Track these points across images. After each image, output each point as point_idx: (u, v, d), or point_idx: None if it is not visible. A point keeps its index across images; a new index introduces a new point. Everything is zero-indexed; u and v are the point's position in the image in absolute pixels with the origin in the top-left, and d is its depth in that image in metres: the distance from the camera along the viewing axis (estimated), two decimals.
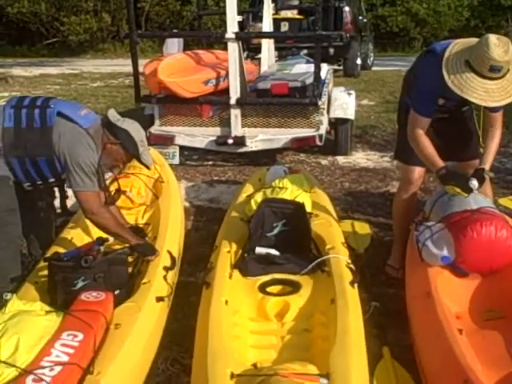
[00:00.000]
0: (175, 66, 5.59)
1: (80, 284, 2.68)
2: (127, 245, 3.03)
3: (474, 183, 2.96)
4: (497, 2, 29.62)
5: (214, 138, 5.69)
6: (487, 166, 3.15)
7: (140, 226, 3.59)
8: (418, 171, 3.51)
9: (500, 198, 4.52)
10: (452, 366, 2.18)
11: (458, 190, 2.97)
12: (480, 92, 2.84)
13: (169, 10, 24.01)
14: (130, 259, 3.08)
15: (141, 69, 5.80)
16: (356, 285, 2.82)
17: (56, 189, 3.52)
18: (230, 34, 5.44)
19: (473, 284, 2.86)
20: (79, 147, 2.93)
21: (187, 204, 4.91)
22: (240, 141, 5.56)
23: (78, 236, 3.40)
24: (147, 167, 3.42)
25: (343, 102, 6.13)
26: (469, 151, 3.48)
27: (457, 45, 3.00)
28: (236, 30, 5.53)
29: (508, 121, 7.42)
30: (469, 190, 2.96)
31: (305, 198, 3.67)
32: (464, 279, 2.87)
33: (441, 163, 3.06)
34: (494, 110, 3.16)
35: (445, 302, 2.63)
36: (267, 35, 7.47)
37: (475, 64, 2.82)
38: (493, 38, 2.78)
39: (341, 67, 13.15)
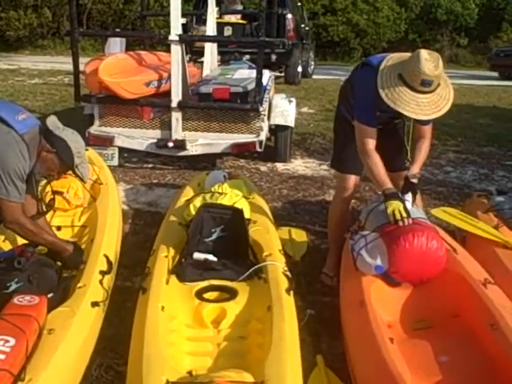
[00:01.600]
0: (117, 66, 5.52)
1: (13, 286, 2.61)
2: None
3: (408, 199, 3.06)
4: (433, 16, 30.59)
5: (155, 141, 5.64)
6: (416, 170, 3.27)
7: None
8: (352, 179, 3.59)
9: (432, 208, 4.65)
10: (383, 375, 2.23)
11: (400, 207, 3.01)
12: (412, 105, 2.94)
13: (111, 8, 23.68)
14: None
15: (81, 67, 5.70)
16: (292, 292, 2.85)
17: None
18: (173, 36, 5.41)
19: (404, 294, 2.94)
20: (10, 154, 2.78)
21: (125, 207, 4.85)
22: (180, 144, 5.54)
23: (11, 237, 3.31)
24: (82, 180, 3.32)
25: (284, 109, 6.19)
26: (397, 162, 3.57)
27: (391, 59, 3.11)
28: (180, 32, 5.51)
29: (439, 133, 7.81)
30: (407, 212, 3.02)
31: (243, 204, 3.69)
32: (396, 289, 2.95)
33: (389, 184, 3.12)
34: (424, 122, 3.27)
35: (377, 310, 2.69)
36: (211, 39, 7.47)
37: (408, 78, 2.92)
38: (424, 54, 2.90)
39: (282, 74, 13.28)
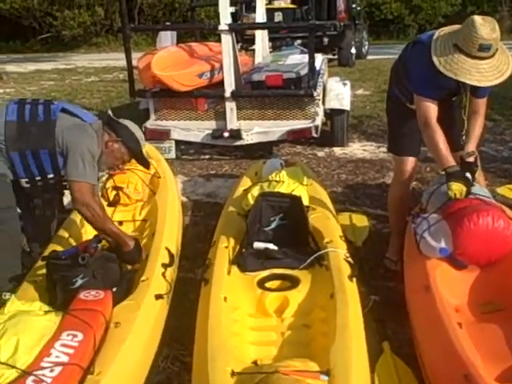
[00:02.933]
0: (169, 60, 5.56)
1: (79, 282, 2.67)
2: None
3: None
4: None
5: (210, 132, 5.68)
6: (471, 148, 3.14)
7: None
8: (410, 162, 3.50)
9: (497, 187, 4.51)
10: (452, 361, 2.17)
11: (463, 190, 2.93)
12: (473, 73, 2.84)
13: (161, 1, 23.94)
14: None
15: (135, 63, 5.77)
16: (355, 279, 2.81)
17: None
18: (223, 26, 5.41)
19: (471, 276, 2.84)
20: (83, 135, 2.95)
21: (184, 199, 4.90)
22: (236, 134, 5.54)
23: (75, 234, 3.39)
24: (147, 166, 3.41)
25: (338, 93, 6.11)
26: (456, 142, 3.45)
27: (442, 31, 3.02)
28: (229, 21, 5.50)
29: (503, 108, 7.54)
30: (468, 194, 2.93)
31: (302, 192, 3.66)
32: (462, 271, 2.85)
33: (452, 161, 3.01)
34: (481, 95, 3.16)
35: (444, 295, 2.62)
36: (260, 26, 7.44)
37: (464, 46, 2.83)
38: (478, 19, 2.80)
39: (335, 57, 13.12)
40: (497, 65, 2.87)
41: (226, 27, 5.41)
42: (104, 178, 3.90)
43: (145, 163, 3.38)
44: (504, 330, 2.46)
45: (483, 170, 3.66)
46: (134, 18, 23.25)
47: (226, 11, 5.48)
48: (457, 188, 2.93)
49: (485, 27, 2.77)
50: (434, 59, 2.92)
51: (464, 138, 3.28)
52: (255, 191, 3.64)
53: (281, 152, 6.20)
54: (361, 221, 4.06)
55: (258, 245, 3.12)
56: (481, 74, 2.84)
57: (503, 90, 8.58)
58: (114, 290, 2.69)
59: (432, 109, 3.09)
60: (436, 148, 3.07)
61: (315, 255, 2.98)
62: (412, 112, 3.32)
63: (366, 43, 15.55)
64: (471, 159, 3.09)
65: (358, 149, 6.31)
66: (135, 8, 23.94)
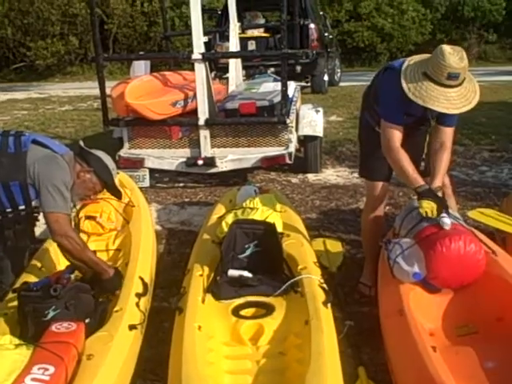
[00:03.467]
0: (142, 89, 5.57)
1: (51, 314, 2.63)
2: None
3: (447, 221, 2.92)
4: (460, 14, 30.25)
5: (184, 160, 5.67)
6: (438, 184, 3.15)
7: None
8: (381, 186, 3.55)
9: (469, 210, 4.56)
10: None
11: (434, 207, 2.95)
12: (442, 100, 2.91)
13: (136, 31, 24.02)
14: None
15: (108, 91, 5.77)
16: (329, 305, 2.81)
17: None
18: (196, 55, 5.45)
19: (445, 300, 2.88)
20: (55, 167, 2.93)
21: (159, 227, 4.88)
22: (210, 161, 5.55)
23: (47, 264, 3.35)
24: (119, 197, 3.41)
25: (311, 120, 6.17)
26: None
27: (412, 60, 3.10)
28: (202, 50, 5.54)
29: (473, 133, 7.68)
30: (440, 212, 2.95)
31: (276, 218, 3.67)
32: (436, 295, 2.89)
33: (421, 181, 3.05)
34: (447, 123, 3.21)
35: (418, 318, 2.64)
36: (233, 55, 7.50)
37: (433, 74, 2.90)
38: (447, 48, 2.89)
39: (308, 84, 13.25)
40: (464, 93, 2.93)
41: (200, 56, 5.45)
42: (77, 208, 3.87)
43: (117, 194, 3.38)
44: (478, 353, 2.48)
45: (454, 193, 3.72)
46: (109, 46, 23.33)
47: (199, 40, 5.53)
48: (427, 206, 2.96)
49: (453, 56, 2.84)
50: (404, 85, 2.98)
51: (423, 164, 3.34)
52: (229, 218, 3.64)
53: (255, 179, 6.22)
54: (335, 246, 4.07)
55: (232, 272, 3.11)
56: (449, 101, 2.91)
57: (473, 116, 8.77)
58: (87, 321, 2.65)
59: (396, 134, 3.14)
60: (403, 170, 3.11)
61: (290, 282, 2.98)
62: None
63: (339, 70, 15.72)
64: (439, 194, 3.12)
65: (331, 174, 6.36)
66: (110, 37, 24.02)
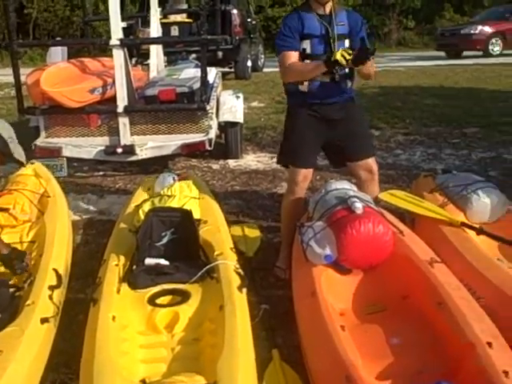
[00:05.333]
0: (59, 76, 5.41)
1: None
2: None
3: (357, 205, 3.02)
4: (381, 1, 30.88)
5: (103, 148, 5.57)
6: None
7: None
8: (302, 173, 3.62)
9: (380, 193, 4.70)
10: (334, 363, 2.26)
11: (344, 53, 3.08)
12: None
13: (57, 16, 23.35)
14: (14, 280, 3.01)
15: (24, 79, 5.59)
16: (245, 289, 2.85)
17: None
18: (114, 41, 5.34)
19: (355, 280, 2.98)
20: None
21: (77, 217, 4.80)
22: (129, 149, 5.47)
23: None
24: (21, 163, 3.33)
25: (231, 106, 6.19)
26: (363, 149, 3.66)
27: None
28: (120, 36, 5.43)
29: (388, 116, 7.91)
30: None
31: (193, 205, 3.69)
32: (347, 276, 2.99)
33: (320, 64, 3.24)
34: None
35: (328, 299, 2.72)
36: (152, 41, 7.39)
37: None
38: None
39: (232, 70, 13.26)
40: None
41: (118, 42, 5.35)
42: None
43: (19, 161, 3.29)
44: (385, 330, 2.59)
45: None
46: (29, 32, 22.58)
47: (117, 26, 5.41)
48: (338, 53, 3.10)
49: None
50: None
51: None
52: (146, 207, 3.62)
53: (176, 166, 6.19)
54: (253, 232, 4.13)
55: (149, 261, 3.12)
56: None
57: (389, 100, 9.05)
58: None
59: (292, 57, 3.38)
60: (302, 67, 3.37)
61: (205, 268, 3.01)
62: (307, 123, 3.47)
63: (262, 56, 15.78)
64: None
65: (252, 160, 6.41)
66: (30, 22, 23.23)
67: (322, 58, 3.28)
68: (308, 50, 3.41)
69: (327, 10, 3.42)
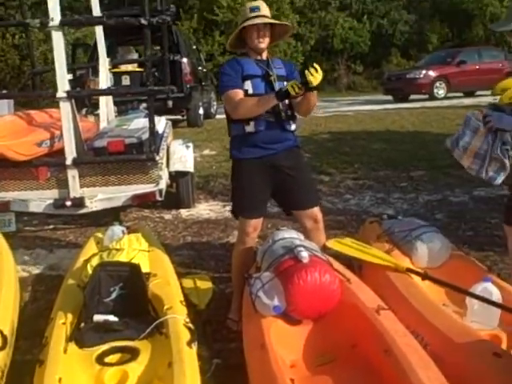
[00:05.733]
0: (5, 129, 5.34)
1: None
2: None
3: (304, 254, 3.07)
4: (330, 46, 31.79)
5: (52, 201, 5.49)
6: None
7: None
8: (252, 223, 3.66)
9: (331, 238, 4.76)
10: None
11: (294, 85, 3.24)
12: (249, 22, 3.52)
13: (8, 65, 23.18)
14: None
15: None
16: (195, 344, 2.83)
17: None
18: (60, 94, 5.33)
19: (305, 331, 2.99)
20: None
21: (25, 274, 4.71)
22: (79, 202, 5.40)
23: None
24: None
25: (181, 155, 6.22)
26: (308, 198, 3.73)
27: None
28: (67, 88, 5.43)
29: (337, 161, 8.07)
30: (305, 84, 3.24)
31: (142, 258, 3.67)
32: (296, 327, 3.00)
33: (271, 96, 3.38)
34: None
35: (278, 351, 2.72)
36: (99, 93, 7.42)
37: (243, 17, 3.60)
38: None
39: (184, 117, 13.35)
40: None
41: (64, 94, 5.34)
42: None
43: None
44: (335, 381, 2.61)
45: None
46: None
47: (63, 79, 5.41)
48: (289, 84, 3.27)
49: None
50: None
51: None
52: (94, 261, 3.58)
53: (128, 217, 6.16)
54: (204, 283, 4.12)
55: (97, 317, 3.07)
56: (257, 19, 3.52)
57: (338, 146, 9.24)
58: None
59: (237, 95, 3.47)
60: (251, 103, 3.44)
61: (154, 324, 2.98)
62: (253, 172, 3.54)
63: (215, 103, 15.92)
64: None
65: (204, 209, 6.43)
66: None
67: (273, 92, 3.42)
68: (250, 91, 3.53)
69: (263, 56, 3.62)
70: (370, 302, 2.94)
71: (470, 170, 3.35)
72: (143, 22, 4.99)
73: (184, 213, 6.26)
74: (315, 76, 3.22)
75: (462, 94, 19.37)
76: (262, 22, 3.53)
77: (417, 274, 3.41)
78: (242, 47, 3.69)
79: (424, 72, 19.01)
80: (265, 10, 3.62)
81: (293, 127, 3.66)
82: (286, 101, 3.55)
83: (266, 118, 3.51)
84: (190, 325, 3.01)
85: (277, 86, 3.51)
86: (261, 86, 3.55)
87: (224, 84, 3.57)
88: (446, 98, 18.35)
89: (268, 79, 3.54)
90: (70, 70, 11.53)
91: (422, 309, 3.02)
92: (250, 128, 3.53)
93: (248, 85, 3.54)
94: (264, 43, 3.58)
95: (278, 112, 3.54)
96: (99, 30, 7.34)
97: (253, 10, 3.59)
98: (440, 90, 18.85)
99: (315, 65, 3.25)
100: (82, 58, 17.23)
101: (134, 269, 3.32)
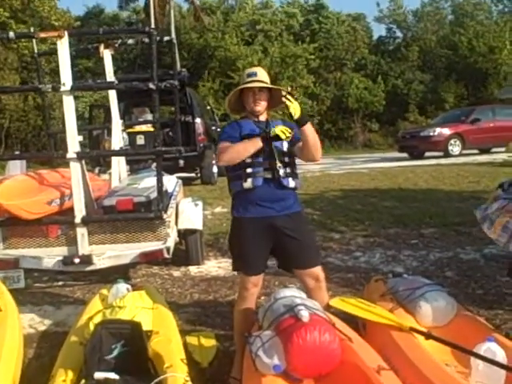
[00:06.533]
0: (16, 188, 5.45)
1: None
2: None
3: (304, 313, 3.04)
4: (345, 106, 32.27)
5: (61, 258, 5.54)
6: None
7: None
8: (252, 280, 3.67)
9: (340, 296, 4.72)
10: None
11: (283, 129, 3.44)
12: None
13: (29, 124, 23.78)
14: None
15: None
16: None
17: None
18: (71, 154, 5.45)
19: None
20: None
21: (32, 330, 4.71)
22: (87, 259, 5.44)
23: None
24: None
25: (190, 214, 6.27)
26: (309, 258, 3.72)
27: None
28: (77, 149, 5.55)
29: (347, 219, 8.06)
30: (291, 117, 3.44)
31: (144, 316, 3.69)
32: None
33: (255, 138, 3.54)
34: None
35: None
36: (110, 153, 7.59)
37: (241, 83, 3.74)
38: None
39: (198, 175, 13.51)
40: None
41: (74, 155, 5.46)
42: None
43: None
44: None
45: (328, 281, 3.86)
46: (1, 141, 22.88)
47: (73, 140, 5.53)
48: (278, 129, 3.44)
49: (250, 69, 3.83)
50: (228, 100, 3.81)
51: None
52: (97, 319, 3.60)
53: (137, 274, 6.17)
54: (208, 341, 4.09)
55: (98, 375, 3.06)
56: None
57: (349, 203, 9.25)
58: None
59: (226, 146, 3.59)
60: (237, 149, 3.54)
61: (153, 382, 2.96)
62: (252, 231, 3.57)
63: None
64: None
65: (213, 266, 6.42)
66: (2, 131, 23.61)
67: (261, 155, 3.55)
68: None
69: (262, 119, 3.72)
70: (371, 362, 2.90)
71: (497, 242, 3.38)
72: (151, 86, 5.13)
73: (193, 270, 6.27)
74: (293, 104, 3.41)
75: (477, 151, 19.41)
76: (257, 86, 3.65)
77: (420, 333, 3.37)
78: (242, 111, 3.81)
79: (438, 130, 19.12)
80: (262, 75, 3.74)
81: (292, 184, 3.66)
82: (286, 158, 3.62)
83: (263, 175, 3.56)
84: (190, 383, 2.98)
85: (273, 144, 3.57)
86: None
87: (220, 139, 3.73)
88: (461, 154, 18.38)
89: (266, 138, 3.58)
90: (87, 130, 11.87)
91: (425, 369, 2.96)
92: (247, 184, 3.57)
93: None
94: (260, 106, 3.68)
95: (274, 168, 3.58)
96: (112, 94, 7.53)
97: (250, 75, 3.73)
98: (455, 148, 18.90)
99: (287, 95, 3.44)
100: (99, 118, 17.60)
101: (135, 326, 3.33)
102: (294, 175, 3.70)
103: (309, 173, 13.60)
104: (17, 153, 12.09)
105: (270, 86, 3.73)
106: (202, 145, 12.90)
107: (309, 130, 3.52)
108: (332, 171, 15.27)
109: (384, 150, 28.65)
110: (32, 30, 7.01)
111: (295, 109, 3.40)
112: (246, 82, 3.68)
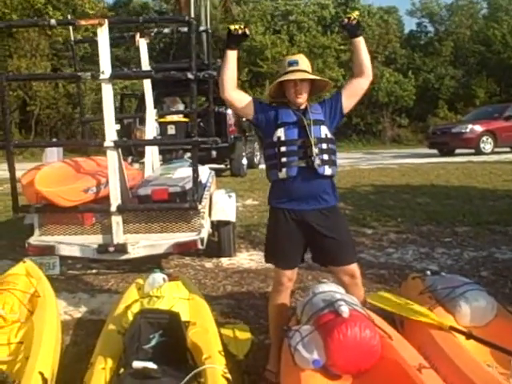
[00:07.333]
0: (53, 175, 5.52)
1: None
2: None
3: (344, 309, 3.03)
4: (375, 100, 31.94)
5: (95, 247, 5.59)
6: None
7: None
8: (287, 274, 3.66)
9: (374, 292, 4.70)
10: None
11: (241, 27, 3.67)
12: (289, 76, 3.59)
13: (59, 112, 23.97)
14: None
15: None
16: None
17: None
18: (108, 143, 5.49)
19: None
20: None
21: (67, 317, 4.76)
22: (121, 248, 5.48)
23: None
24: None
25: (224, 205, 6.29)
26: (343, 256, 3.67)
27: None
28: (114, 138, 5.58)
29: (380, 215, 8.00)
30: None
31: (182, 306, 3.69)
32: (336, 381, 2.95)
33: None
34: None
35: None
36: (145, 143, 7.61)
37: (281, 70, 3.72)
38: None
39: (228, 167, 13.55)
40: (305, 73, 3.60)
41: (112, 144, 5.49)
42: None
43: None
44: None
45: (362, 277, 3.84)
46: (32, 128, 23.12)
47: (111, 128, 5.57)
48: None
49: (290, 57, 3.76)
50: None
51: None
52: (135, 308, 3.62)
53: (169, 264, 6.20)
54: (243, 333, 4.08)
55: (136, 364, 3.08)
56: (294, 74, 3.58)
57: (381, 199, 9.18)
58: None
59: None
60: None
61: (192, 373, 2.97)
62: (286, 223, 3.53)
63: (258, 153, 16.10)
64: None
65: (245, 258, 6.43)
66: (32, 118, 23.85)
67: (296, 143, 3.51)
68: (282, 138, 3.54)
69: (302, 107, 3.63)
70: (412, 360, 2.88)
71: None
72: (190, 76, 5.11)
73: (225, 261, 6.28)
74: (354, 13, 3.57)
75: (509, 149, 19.11)
76: (299, 78, 3.56)
77: (461, 332, 3.33)
78: (284, 97, 3.70)
79: (470, 126, 18.85)
80: (303, 64, 3.66)
81: (328, 172, 3.56)
82: (323, 145, 3.55)
83: (298, 164, 3.50)
84: (228, 375, 2.99)
85: (312, 130, 3.51)
86: (293, 133, 3.54)
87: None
88: (493, 152, 18.11)
89: (302, 125, 3.53)
90: (118, 119, 11.96)
91: (467, 369, 2.93)
92: (282, 174, 3.52)
93: (281, 131, 3.54)
94: (301, 98, 3.60)
95: (309, 156, 3.49)
96: (147, 83, 7.55)
97: (291, 63, 3.64)
98: (487, 145, 18.63)
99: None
100: (129, 107, 17.71)
101: (173, 317, 3.34)
102: (331, 162, 3.58)
103: (339, 167, 13.50)
104: (54, 140, 12.21)
105: (312, 76, 3.63)
106: (232, 136, 12.93)
107: (361, 42, 3.60)
108: (361, 166, 15.18)
109: (413, 145, 28.36)
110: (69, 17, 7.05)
111: (354, 15, 3.54)
112: (287, 72, 3.60)
